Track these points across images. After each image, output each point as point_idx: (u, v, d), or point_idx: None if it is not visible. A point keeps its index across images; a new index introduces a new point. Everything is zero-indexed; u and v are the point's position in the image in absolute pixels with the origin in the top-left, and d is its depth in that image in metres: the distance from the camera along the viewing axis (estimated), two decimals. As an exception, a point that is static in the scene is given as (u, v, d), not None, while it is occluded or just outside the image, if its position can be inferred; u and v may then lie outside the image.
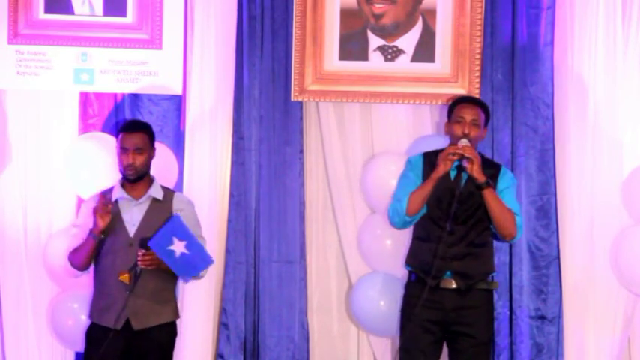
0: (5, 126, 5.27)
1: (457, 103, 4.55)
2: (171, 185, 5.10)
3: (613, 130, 5.19)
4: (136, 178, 4.45)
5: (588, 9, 5.20)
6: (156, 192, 4.49)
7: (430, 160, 4.49)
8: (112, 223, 4.42)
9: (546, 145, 5.32)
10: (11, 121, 5.28)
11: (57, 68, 5.26)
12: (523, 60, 5.31)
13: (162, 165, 5.07)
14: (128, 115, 5.32)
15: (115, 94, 5.36)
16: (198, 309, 5.22)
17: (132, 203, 4.46)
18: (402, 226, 4.49)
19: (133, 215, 4.44)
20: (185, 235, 4.32)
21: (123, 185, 4.50)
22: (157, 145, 5.07)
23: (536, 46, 5.30)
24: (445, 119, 5.29)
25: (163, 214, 4.44)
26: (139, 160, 4.44)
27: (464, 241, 4.42)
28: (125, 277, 4.35)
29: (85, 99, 5.36)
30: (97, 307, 4.48)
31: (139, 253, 4.32)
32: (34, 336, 5.24)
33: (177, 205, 4.50)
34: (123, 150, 4.45)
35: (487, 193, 4.37)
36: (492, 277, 4.57)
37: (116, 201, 4.47)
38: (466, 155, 4.30)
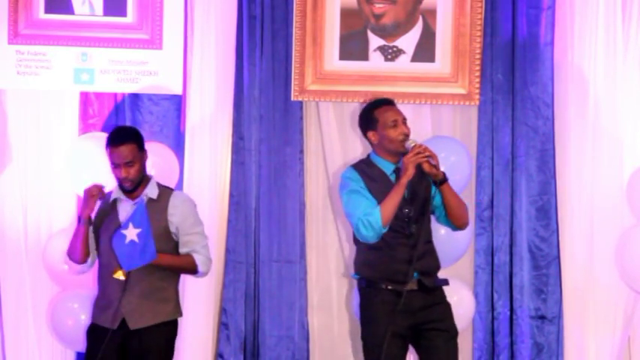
0: (5, 126, 5.27)
1: (376, 107, 4.39)
2: (171, 185, 5.09)
3: (613, 129, 5.20)
4: (134, 189, 4.42)
5: (588, 9, 5.21)
6: (151, 191, 4.46)
7: (363, 170, 4.37)
8: (109, 223, 4.41)
9: (546, 145, 5.32)
10: (11, 121, 5.28)
11: (57, 68, 5.26)
12: (523, 60, 5.31)
13: (162, 165, 5.09)
14: (128, 115, 5.32)
15: (115, 94, 5.37)
16: (198, 309, 5.22)
17: (128, 203, 4.44)
18: (377, 239, 4.28)
19: (128, 215, 4.43)
20: (142, 223, 4.20)
21: (120, 185, 4.49)
22: (157, 145, 5.11)
23: (536, 46, 5.30)
24: (444, 119, 5.34)
25: (158, 213, 4.41)
26: (132, 172, 4.36)
27: (421, 239, 4.33)
28: (118, 274, 4.30)
29: (85, 99, 5.36)
30: (97, 306, 4.47)
31: None
32: (34, 336, 5.24)
33: (172, 203, 4.44)
34: (114, 165, 4.37)
35: (446, 187, 4.28)
36: None
37: (115, 200, 4.46)
38: (427, 154, 4.20)
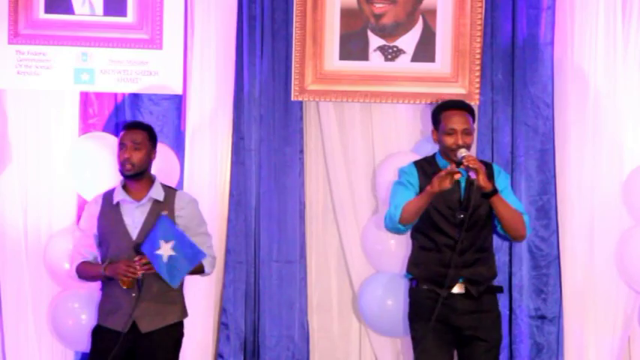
0: (5, 126, 5.26)
1: (443, 110, 4.46)
2: (172, 185, 5.10)
3: (613, 129, 5.20)
4: (133, 175, 4.43)
5: (588, 9, 5.21)
6: (156, 193, 4.48)
7: (423, 168, 4.44)
8: (114, 225, 4.41)
9: (546, 145, 5.32)
10: (11, 121, 5.27)
11: (57, 68, 5.25)
12: (523, 60, 5.31)
13: (163, 165, 5.08)
14: (128, 115, 5.32)
15: (116, 94, 5.36)
16: (198, 309, 5.20)
17: (133, 205, 4.45)
18: (395, 232, 4.44)
19: (134, 218, 4.43)
20: (172, 235, 4.29)
21: (124, 187, 4.49)
22: (158, 144, 5.09)
23: (536, 46, 5.31)
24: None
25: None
26: (137, 156, 4.43)
27: (473, 247, 4.37)
28: (125, 284, 4.34)
29: (86, 99, 5.35)
30: (103, 309, 4.48)
31: (136, 259, 4.33)
32: (34, 336, 5.23)
33: (178, 204, 4.48)
34: (121, 146, 4.46)
35: (495, 200, 4.31)
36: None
37: (117, 203, 4.46)
38: (471, 166, 4.21)
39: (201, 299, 5.22)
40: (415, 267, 4.48)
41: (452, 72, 5.29)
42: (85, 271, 4.50)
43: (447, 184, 4.21)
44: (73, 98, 5.31)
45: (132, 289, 4.35)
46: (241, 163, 5.37)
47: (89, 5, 5.28)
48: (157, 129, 5.25)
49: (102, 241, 4.47)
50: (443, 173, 4.22)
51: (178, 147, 5.28)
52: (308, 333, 5.38)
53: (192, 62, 5.29)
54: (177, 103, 5.35)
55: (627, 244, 5.10)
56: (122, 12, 5.29)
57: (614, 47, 5.21)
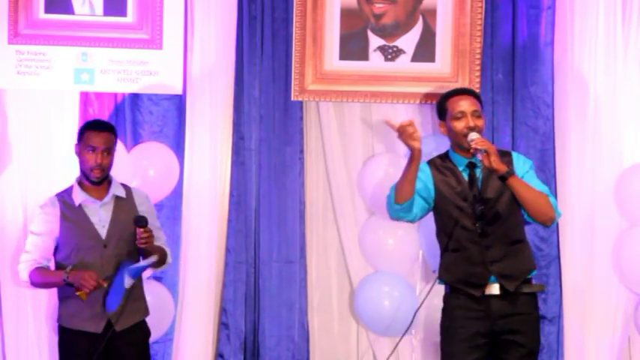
0: (5, 126, 5.26)
1: (449, 97, 4.26)
2: (172, 185, 5.11)
3: (613, 129, 5.20)
4: (101, 181, 4.41)
5: (588, 9, 5.21)
6: (118, 190, 4.44)
7: (435, 164, 4.26)
8: (81, 226, 4.37)
9: (546, 144, 5.32)
10: (11, 121, 5.27)
11: (57, 68, 5.25)
12: (523, 60, 5.31)
13: (163, 165, 5.09)
14: (128, 115, 5.32)
15: (116, 94, 5.36)
16: (198, 309, 5.22)
17: (96, 205, 4.39)
18: (395, 215, 4.19)
19: (100, 217, 4.38)
20: (135, 275, 4.33)
21: (81, 186, 4.43)
22: (157, 145, 5.10)
23: (536, 46, 5.31)
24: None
25: (129, 211, 4.41)
26: (107, 161, 4.38)
27: (499, 241, 4.13)
28: (82, 295, 4.26)
29: (85, 99, 5.35)
30: (67, 311, 4.39)
31: (139, 231, 4.26)
32: (34, 336, 5.23)
33: (137, 199, 4.47)
34: (90, 148, 4.35)
35: (512, 182, 4.07)
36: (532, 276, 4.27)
37: (80, 205, 4.42)
38: (479, 148, 4.03)
39: (201, 299, 5.23)
40: (445, 271, 4.22)
41: (452, 72, 5.29)
42: (41, 277, 4.36)
43: (418, 142, 4.03)
44: (73, 98, 5.31)
45: (93, 297, 4.27)
46: (241, 163, 5.37)
47: (89, 5, 5.28)
48: (156, 129, 5.30)
49: (64, 245, 4.39)
50: (407, 133, 4.03)
51: (178, 147, 5.28)
52: (308, 333, 5.38)
53: (192, 62, 5.29)
54: (177, 103, 5.35)
55: (622, 246, 5.10)
56: (122, 12, 5.29)
57: (614, 48, 5.21)
